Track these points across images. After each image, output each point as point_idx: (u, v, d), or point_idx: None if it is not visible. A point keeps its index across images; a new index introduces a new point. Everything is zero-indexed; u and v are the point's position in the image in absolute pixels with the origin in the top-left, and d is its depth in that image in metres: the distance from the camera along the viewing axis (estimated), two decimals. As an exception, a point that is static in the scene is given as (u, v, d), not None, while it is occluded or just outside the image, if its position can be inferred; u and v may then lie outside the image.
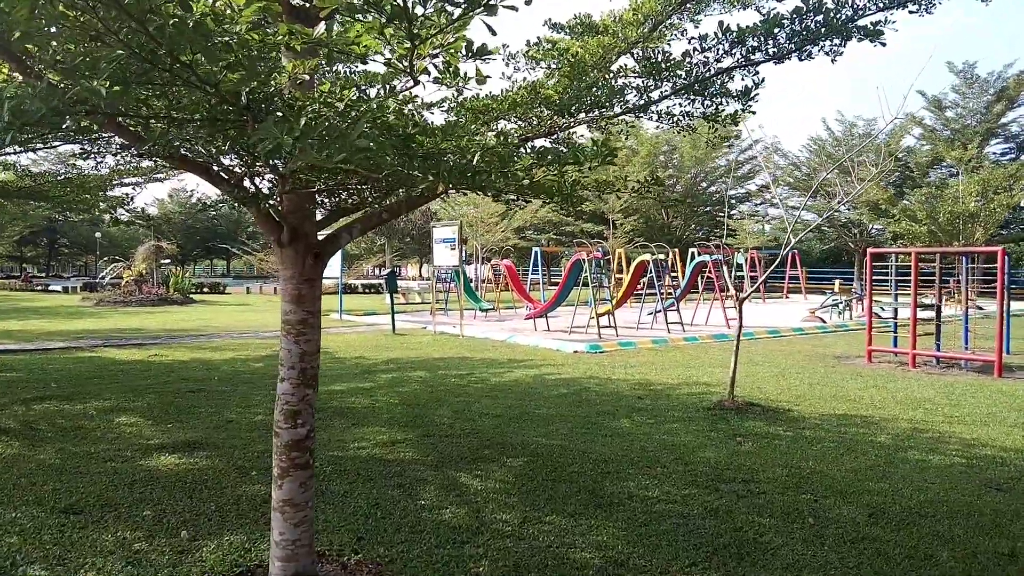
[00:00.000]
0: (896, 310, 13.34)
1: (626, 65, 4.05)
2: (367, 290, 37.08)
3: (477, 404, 8.49)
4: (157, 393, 9.01)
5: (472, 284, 25.09)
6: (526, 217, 31.83)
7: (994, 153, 35.31)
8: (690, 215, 44.83)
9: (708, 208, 46.58)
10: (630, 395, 9.14)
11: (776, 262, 8.92)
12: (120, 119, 2.62)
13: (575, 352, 13.56)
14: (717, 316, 19.50)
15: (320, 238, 3.51)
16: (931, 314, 12.76)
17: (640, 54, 3.95)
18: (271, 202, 3.08)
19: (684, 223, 44.29)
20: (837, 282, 26.88)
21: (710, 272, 19.13)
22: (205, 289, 37.25)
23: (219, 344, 14.72)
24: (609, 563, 4.07)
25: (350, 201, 3.53)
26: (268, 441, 6.64)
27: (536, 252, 26.12)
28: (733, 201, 46.10)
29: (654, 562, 4.09)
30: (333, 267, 22.09)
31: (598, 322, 15.93)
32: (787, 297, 33.54)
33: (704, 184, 46.08)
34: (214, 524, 4.61)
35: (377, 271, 46.34)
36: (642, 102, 3.95)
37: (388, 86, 2.56)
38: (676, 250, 21.53)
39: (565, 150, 2.25)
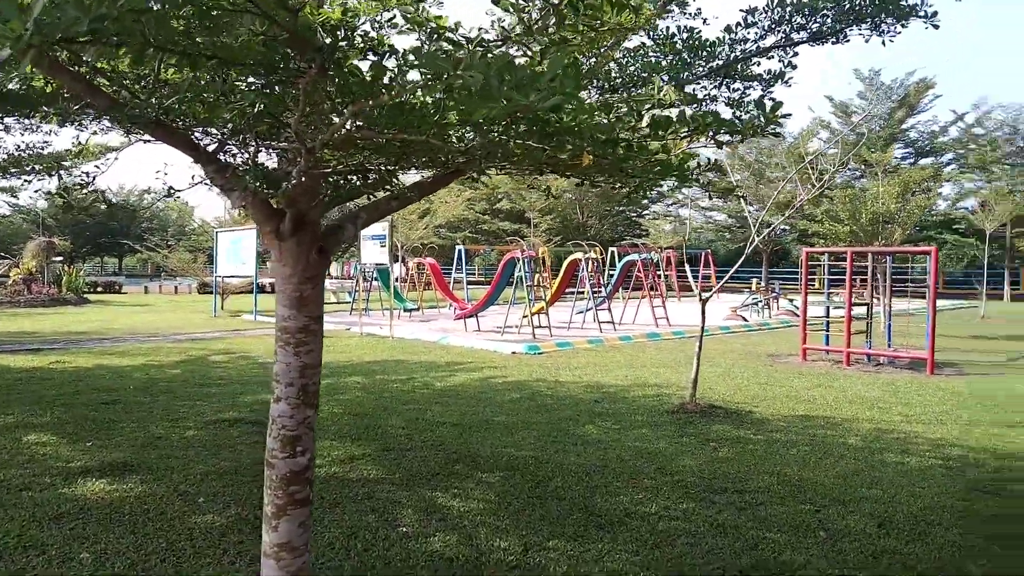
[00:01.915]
0: (828, 308, 13.56)
1: (644, 43, 3.66)
2: (277, 289, 35.57)
3: (429, 412, 7.96)
4: (66, 406, 8.05)
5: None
6: (448, 215, 31.24)
7: (896, 158, 37.05)
8: (605, 215, 45.22)
9: (622, 208, 47.13)
10: (586, 399, 8.80)
11: (735, 267, 8.75)
12: (98, 79, 2.02)
13: (513, 353, 13.16)
14: (644, 315, 19.50)
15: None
16: (840, 312, 13.01)
17: (669, 30, 3.55)
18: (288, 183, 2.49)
19: (600, 223, 44.63)
20: (754, 281, 27.55)
21: (639, 271, 19.10)
22: (100, 289, 34.86)
23: (126, 349, 13.56)
24: (635, 595, 3.67)
25: (357, 184, 2.98)
26: (209, 461, 5.94)
27: (460, 250, 25.58)
28: (646, 201, 46.82)
29: (683, 591, 3.71)
30: (247, 264, 20.93)
31: (531, 321, 15.58)
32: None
33: (619, 184, 46.53)
34: (169, 566, 3.95)
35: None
36: (673, 83, 3.56)
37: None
38: (599, 247, 21.42)
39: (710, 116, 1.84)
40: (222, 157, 2.97)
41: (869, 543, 4.39)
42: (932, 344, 11.54)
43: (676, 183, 2.34)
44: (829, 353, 13.09)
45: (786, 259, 45.48)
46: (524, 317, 16.75)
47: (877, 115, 37.05)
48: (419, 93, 1.83)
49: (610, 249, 26.77)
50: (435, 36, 1.53)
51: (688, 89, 3.75)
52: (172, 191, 3.30)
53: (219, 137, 3.03)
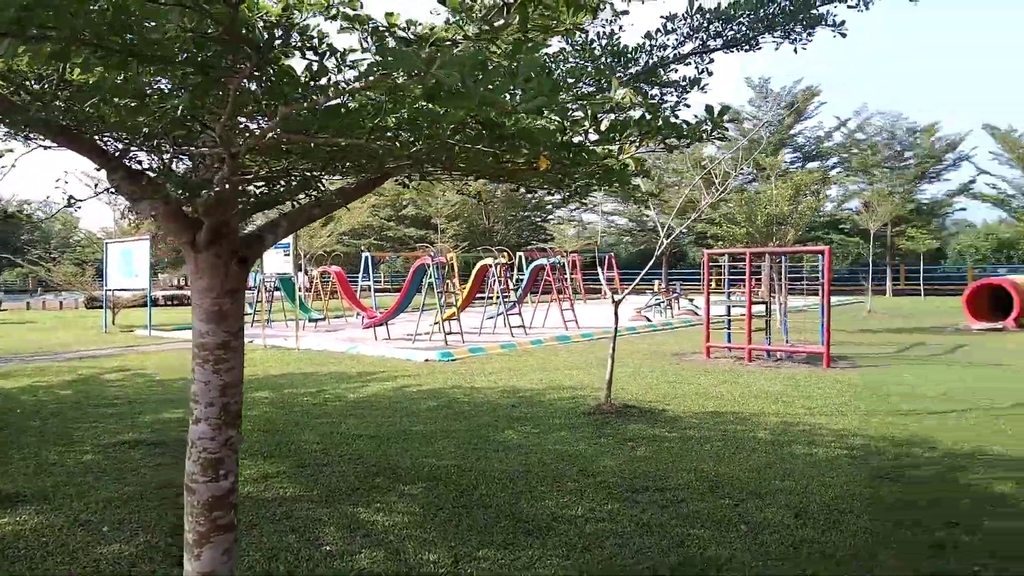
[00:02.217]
0: (729, 308, 14.04)
1: (563, 48, 3.67)
2: (169, 302, 34.10)
3: (344, 425, 7.75)
4: (-56, 435, 7.41)
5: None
6: (353, 222, 30.68)
7: (784, 163, 38.88)
8: (511, 220, 45.50)
9: (527, 213, 47.55)
10: (503, 404, 8.78)
11: (646, 268, 8.93)
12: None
13: (426, 361, 13.02)
14: (553, 318, 19.69)
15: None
16: (733, 310, 13.54)
17: (587, 35, 3.57)
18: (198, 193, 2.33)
19: (506, 228, 44.87)
20: (657, 282, 28.27)
21: (548, 275, 19.28)
22: (-27, 306, 32.44)
23: (11, 369, 12.63)
24: (569, 600, 3.66)
25: (275, 191, 2.84)
26: (110, 486, 5.58)
27: (367, 257, 25.16)
28: (550, 206, 47.39)
29: (616, 593, 3.73)
30: (140, 277, 19.93)
31: (442, 328, 15.47)
32: (605, 298, 34.88)
33: (523, 189, 46.89)
34: (74, 603, 3.67)
35: (181, 281, 42.82)
36: (592, 89, 3.58)
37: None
38: (508, 252, 21.55)
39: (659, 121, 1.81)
40: (126, 164, 2.78)
41: (788, 534, 4.53)
42: (828, 339, 12.11)
43: (616, 187, 2.34)
44: (731, 350, 13.56)
45: (683, 261, 47.01)
46: (434, 324, 16.62)
47: (769, 122, 38.83)
48: (357, 95, 1.74)
49: (518, 254, 26.95)
50: (382, 34, 1.45)
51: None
52: (73, 201, 3.07)
53: (123, 143, 2.84)
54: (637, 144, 1.93)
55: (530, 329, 17.87)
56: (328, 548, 4.34)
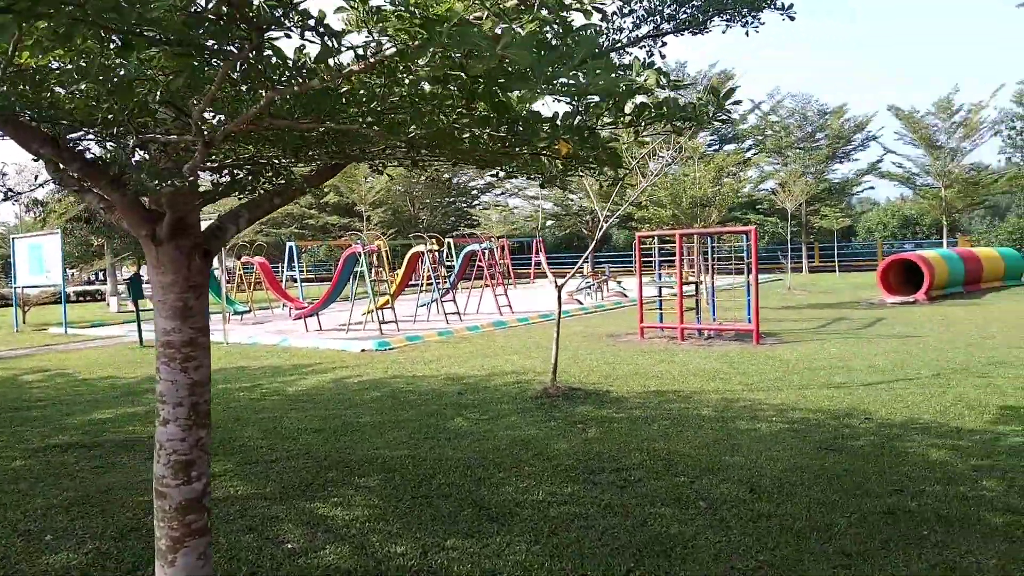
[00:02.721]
0: (661, 289, 14.31)
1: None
2: (81, 298, 32.59)
3: (287, 419, 7.56)
4: None
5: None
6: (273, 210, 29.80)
7: (704, 145, 39.78)
8: (436, 206, 45.16)
9: (451, 199, 47.28)
10: (448, 391, 8.73)
11: (589, 251, 8.99)
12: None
13: (363, 351, 12.82)
14: (486, 304, 19.68)
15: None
16: (657, 291, 13.86)
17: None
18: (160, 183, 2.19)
19: (431, 214, 44.51)
20: (586, 266, 28.55)
21: (480, 261, 19.23)
22: None
23: (-87, 375, 11.82)
24: (545, 585, 3.66)
25: (241, 180, 2.71)
26: (48, 493, 5.31)
27: (291, 247, 24.54)
28: (475, 191, 47.25)
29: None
30: (53, 273, 18.94)
31: (378, 317, 15.26)
32: (533, 282, 35.13)
33: (447, 175, 46.63)
34: (23, 620, 3.46)
35: (94, 277, 40.98)
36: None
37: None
38: (439, 238, 21.40)
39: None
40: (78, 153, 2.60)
41: (746, 509, 4.65)
42: (756, 316, 12.49)
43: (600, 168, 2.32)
44: (664, 330, 13.83)
45: (608, 243, 47.67)
46: (365, 313, 16.38)
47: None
48: (353, 78, 1.66)
49: (446, 240, 26.78)
50: (411, 10, 1.37)
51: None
52: (9, 194, 2.86)
53: (68, 130, 2.65)
54: (642, 127, 1.91)
55: (465, 315, 17.81)
56: (290, 546, 4.22)
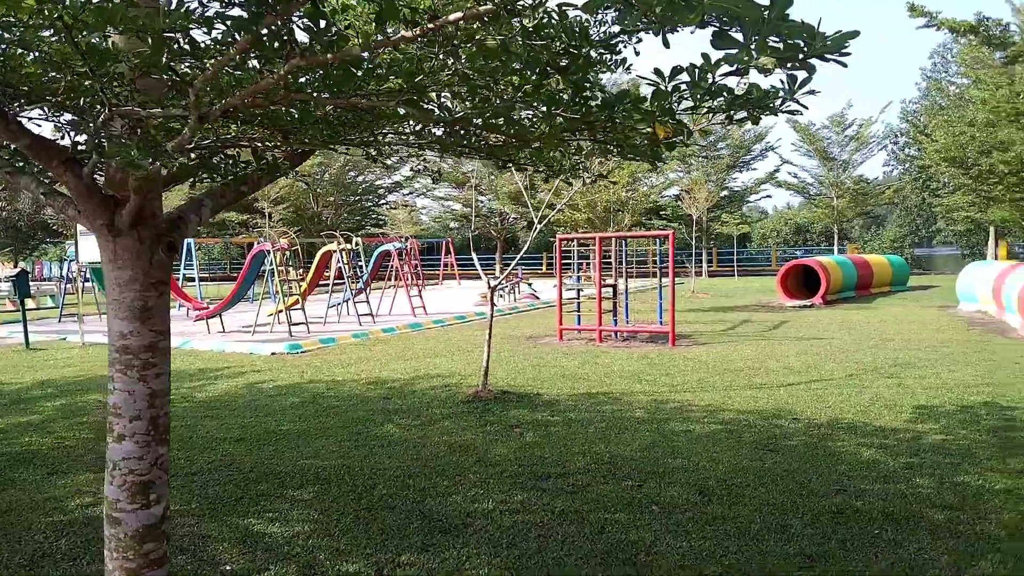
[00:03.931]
0: (580, 291, 14.38)
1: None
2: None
3: (202, 428, 7.09)
4: None
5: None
6: (167, 205, 28.33)
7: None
8: (341, 204, 44.12)
9: (357, 197, 46.30)
10: (373, 396, 8.42)
11: (522, 252, 8.86)
12: None
13: (273, 354, 12.26)
14: (400, 305, 19.27)
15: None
16: (575, 294, 13.98)
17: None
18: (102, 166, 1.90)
19: (335, 212, 43.44)
20: (498, 267, 28.47)
21: (395, 261, 18.83)
22: None
23: None
24: (513, 601, 3.49)
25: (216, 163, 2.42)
26: (-65, 516, 4.72)
27: (188, 244, 23.37)
28: (382, 191, 46.49)
29: (559, 588, 3.61)
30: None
31: (288, 318, 14.65)
32: (442, 283, 34.80)
33: (353, 173, 45.64)
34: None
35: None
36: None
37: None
38: (353, 237, 20.78)
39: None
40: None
41: (699, 512, 4.62)
42: (672, 319, 12.70)
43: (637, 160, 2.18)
44: (581, 332, 13.88)
45: (515, 245, 47.89)
46: (272, 315, 15.71)
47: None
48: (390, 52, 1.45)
49: (355, 238, 26.12)
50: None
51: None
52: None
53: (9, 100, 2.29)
54: (712, 114, 1.79)
55: (378, 317, 17.38)
56: (229, 567, 3.89)
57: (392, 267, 18.99)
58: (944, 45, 43.48)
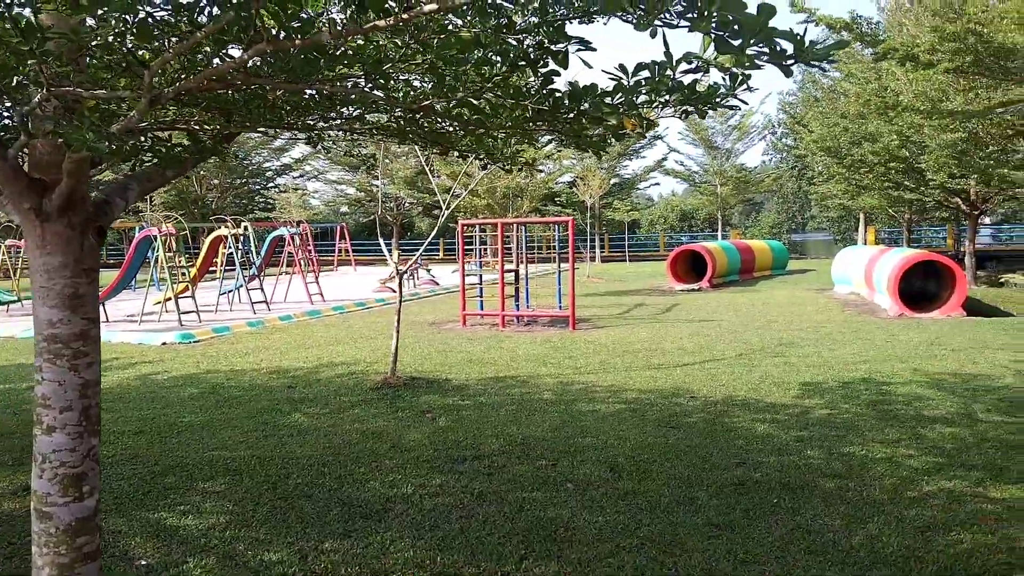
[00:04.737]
0: (482, 276, 14.48)
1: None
2: None
3: (96, 420, 6.75)
4: None
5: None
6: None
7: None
8: (227, 188, 42.44)
9: (243, 180, 44.62)
10: (277, 386, 8.24)
11: (430, 237, 8.85)
12: None
13: (164, 344, 11.76)
14: (295, 292, 18.80)
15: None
16: (478, 279, 14.15)
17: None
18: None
19: (221, 195, 41.75)
20: (396, 253, 28.22)
21: (288, 246, 18.33)
22: None
23: None
24: (442, 581, 3.56)
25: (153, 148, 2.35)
26: None
27: (63, 230, 21.91)
28: (270, 173, 45.05)
29: (485, 567, 3.70)
30: None
31: (178, 307, 14.06)
32: (336, 270, 34.15)
33: (239, 154, 43.96)
34: None
35: None
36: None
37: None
38: (244, 222, 20.06)
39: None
40: None
41: (612, 488, 4.82)
42: (573, 303, 13.01)
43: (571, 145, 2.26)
44: (484, 317, 14.01)
45: (411, 231, 47.56)
46: (158, 303, 15.04)
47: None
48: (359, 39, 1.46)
49: (243, 224, 25.25)
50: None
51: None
52: None
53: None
54: (663, 108, 1.88)
55: (273, 304, 16.91)
56: (144, 562, 3.77)
57: (286, 253, 18.50)
58: (820, 39, 46.09)
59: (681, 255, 22.33)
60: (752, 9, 1.21)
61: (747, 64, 1.36)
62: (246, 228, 17.70)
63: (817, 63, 1.43)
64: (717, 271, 21.25)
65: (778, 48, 1.32)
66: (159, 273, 15.11)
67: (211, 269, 17.64)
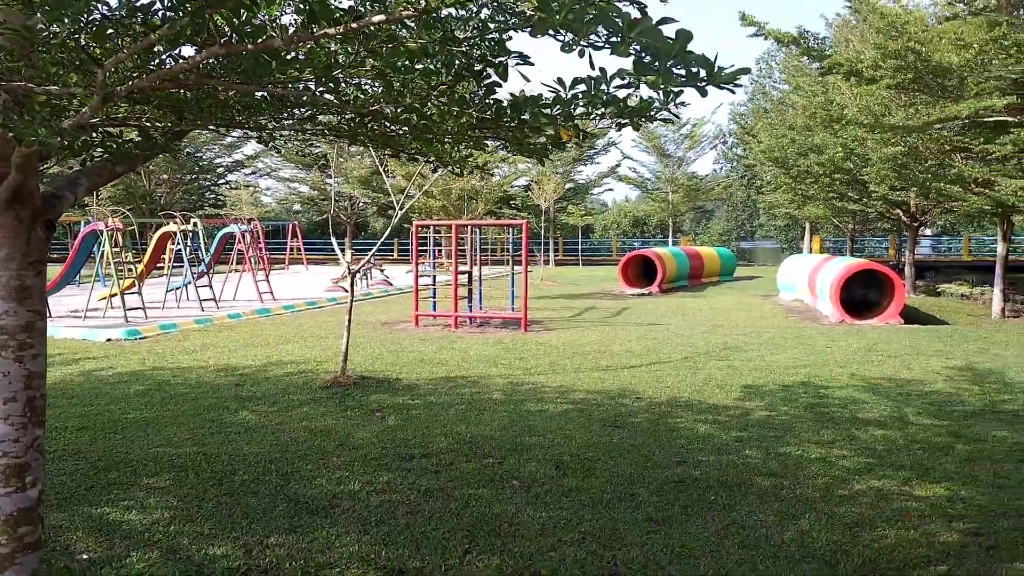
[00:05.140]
0: (435, 277, 14.52)
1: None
2: None
3: (36, 416, 6.63)
4: None
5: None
6: None
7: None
8: (176, 183, 41.62)
9: (194, 175, 43.80)
10: (224, 384, 8.17)
11: (383, 236, 8.88)
12: None
13: (109, 340, 11.54)
14: (245, 290, 18.57)
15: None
16: (431, 280, 14.22)
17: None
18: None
19: (170, 191, 40.92)
20: (349, 252, 28.03)
21: (240, 243, 18.11)
22: None
23: None
24: (386, 573, 3.63)
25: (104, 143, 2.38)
26: None
27: (4, 222, 21.29)
28: (221, 169, 44.31)
29: (430, 561, 3.77)
30: None
31: (123, 303, 13.79)
32: (288, 268, 33.77)
33: (190, 150, 43.14)
34: None
35: None
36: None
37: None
38: (194, 218, 19.73)
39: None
40: None
41: (555, 485, 4.93)
42: (525, 305, 13.14)
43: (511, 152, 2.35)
44: (437, 318, 14.04)
45: (365, 231, 47.27)
46: (104, 298, 14.74)
47: None
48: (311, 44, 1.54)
49: (193, 220, 24.84)
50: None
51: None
52: None
53: None
54: (596, 118, 1.98)
55: (222, 302, 16.68)
56: (86, 556, 3.76)
57: (236, 250, 18.26)
58: (769, 53, 47.17)
59: (633, 260, 22.67)
60: (671, 33, 1.33)
61: (664, 85, 1.48)
62: (195, 224, 17.43)
63: (727, 86, 1.55)
64: (667, 276, 21.62)
65: (694, 71, 1.43)
66: (105, 269, 14.80)
67: (159, 265, 17.31)
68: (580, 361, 9.69)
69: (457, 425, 6.41)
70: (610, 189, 77.14)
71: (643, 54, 1.39)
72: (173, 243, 17.12)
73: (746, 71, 1.52)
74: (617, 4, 1.35)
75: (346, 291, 20.57)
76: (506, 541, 4.02)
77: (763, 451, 5.70)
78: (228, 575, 3.58)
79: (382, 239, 9.70)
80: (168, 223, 16.61)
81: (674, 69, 1.41)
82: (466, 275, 14.28)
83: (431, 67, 1.68)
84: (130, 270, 15.23)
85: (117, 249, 14.51)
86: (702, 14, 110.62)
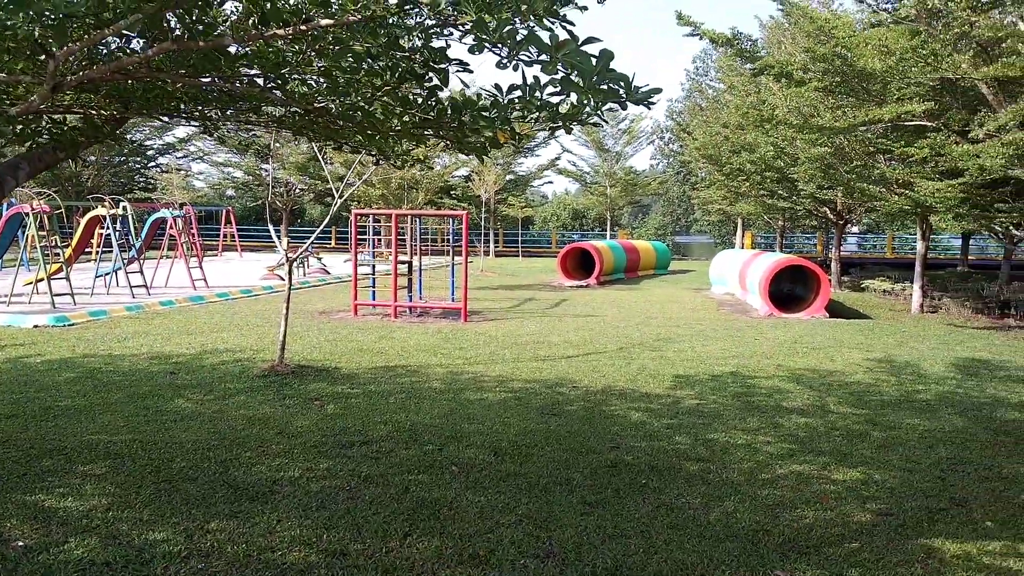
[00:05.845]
0: (374, 266, 14.48)
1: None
2: None
3: (-40, 405, 6.46)
4: None
5: None
6: None
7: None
8: (104, 165, 40.18)
9: (123, 157, 42.37)
10: (157, 371, 8.06)
11: (323, 225, 8.85)
12: None
13: (37, 326, 11.20)
14: (177, 277, 18.15)
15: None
16: (371, 269, 14.22)
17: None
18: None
19: (98, 173, 39.50)
20: (285, 240, 27.58)
21: (172, 229, 17.68)
22: None
23: None
24: (328, 556, 3.71)
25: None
26: None
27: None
28: (152, 152, 42.98)
29: (371, 544, 3.87)
30: None
31: (50, 288, 13.35)
32: (221, 255, 33.04)
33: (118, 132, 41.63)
34: None
35: None
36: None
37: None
38: (124, 202, 19.12)
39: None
40: None
41: (493, 470, 5.07)
42: (465, 296, 13.23)
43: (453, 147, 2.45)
44: (376, 307, 14.03)
45: (302, 218, 46.53)
46: (29, 283, 14.26)
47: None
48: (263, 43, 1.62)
49: (122, 204, 24.08)
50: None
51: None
52: None
53: None
54: (531, 121, 2.09)
55: (154, 289, 16.29)
56: (22, 543, 3.73)
57: (168, 236, 17.82)
58: (705, 52, 48.20)
59: (571, 252, 22.97)
60: (596, 52, 1.47)
61: (589, 99, 1.62)
62: (125, 208, 16.92)
63: (643, 102, 1.69)
64: (605, 269, 22.00)
65: (615, 88, 1.57)
66: (30, 253, 14.30)
67: (87, 250, 16.77)
68: (519, 351, 9.85)
69: (397, 413, 6.49)
70: (550, 182, 77.85)
71: (570, 72, 1.53)
72: (102, 227, 16.60)
73: (658, 91, 1.66)
74: (548, 23, 1.48)
75: (282, 279, 20.34)
76: (445, 524, 4.14)
77: (692, 437, 5.95)
78: (169, 559, 3.60)
79: (321, 227, 9.66)
80: (96, 207, 16.11)
81: (598, 85, 1.55)
82: (406, 265, 14.29)
83: (376, 68, 1.78)
84: (57, 255, 14.76)
85: (43, 233, 14.04)
86: (647, 11, 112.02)
